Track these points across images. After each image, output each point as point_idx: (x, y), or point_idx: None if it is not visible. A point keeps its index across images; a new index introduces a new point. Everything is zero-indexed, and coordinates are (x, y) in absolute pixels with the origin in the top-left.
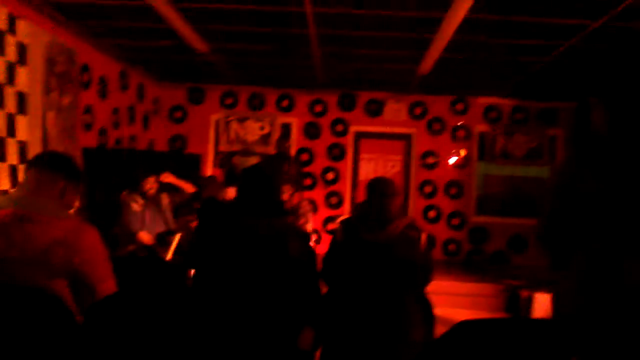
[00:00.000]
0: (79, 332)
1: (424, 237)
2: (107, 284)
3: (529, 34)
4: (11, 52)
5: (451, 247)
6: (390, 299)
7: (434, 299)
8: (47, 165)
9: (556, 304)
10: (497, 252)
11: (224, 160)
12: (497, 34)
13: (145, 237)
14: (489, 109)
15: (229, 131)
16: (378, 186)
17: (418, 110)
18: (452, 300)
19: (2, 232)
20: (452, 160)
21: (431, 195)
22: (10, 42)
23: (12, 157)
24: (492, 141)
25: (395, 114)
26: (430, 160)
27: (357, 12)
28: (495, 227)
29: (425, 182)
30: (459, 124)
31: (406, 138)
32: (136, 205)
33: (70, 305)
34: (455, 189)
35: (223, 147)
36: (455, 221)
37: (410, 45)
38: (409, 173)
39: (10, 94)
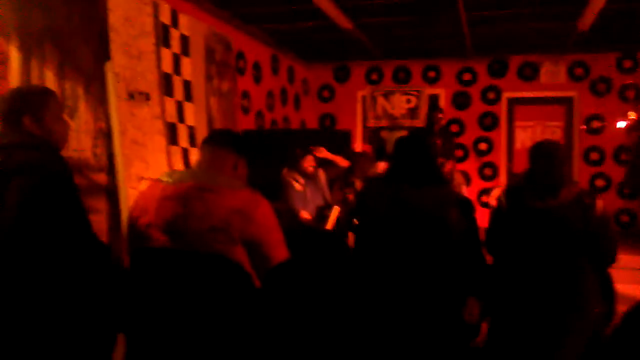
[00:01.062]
0: (258, 295)
1: (600, 203)
2: (281, 251)
3: None
4: (176, 45)
5: (624, 218)
6: (565, 270)
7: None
8: (220, 141)
9: None
10: None
11: (372, 135)
12: None
13: (307, 215)
14: None
15: (375, 107)
16: (545, 149)
17: (579, 71)
18: (631, 276)
19: (184, 203)
20: (621, 123)
21: (598, 162)
22: (175, 35)
23: (183, 140)
24: None
25: (553, 76)
26: (596, 124)
27: None
28: None
29: (591, 149)
30: (627, 82)
31: (567, 102)
32: (298, 185)
33: (249, 271)
34: (625, 154)
35: (371, 123)
36: (627, 190)
37: (566, 0)
38: (572, 140)
39: (178, 83)
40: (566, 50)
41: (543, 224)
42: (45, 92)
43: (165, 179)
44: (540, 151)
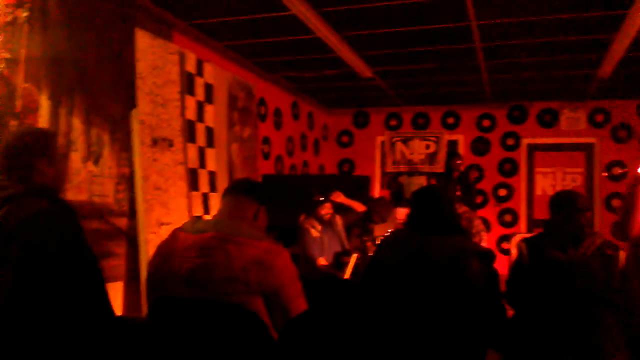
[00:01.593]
0: (275, 347)
1: (622, 255)
2: (299, 302)
3: None
4: (200, 92)
5: None
6: (585, 323)
7: None
8: (241, 191)
9: None
10: None
11: (391, 181)
12: None
13: (323, 261)
14: None
15: (394, 152)
16: (567, 200)
17: (599, 118)
18: None
19: (206, 252)
20: None
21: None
22: (199, 83)
23: (204, 186)
24: None
25: (573, 123)
26: (617, 170)
27: (523, 19)
28: None
29: (613, 195)
30: None
31: (587, 148)
32: (315, 231)
33: (266, 322)
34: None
35: (389, 168)
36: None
37: (586, 49)
38: (592, 186)
39: (200, 130)
40: (586, 97)
41: (564, 276)
42: (50, 133)
43: (187, 228)
44: (560, 201)
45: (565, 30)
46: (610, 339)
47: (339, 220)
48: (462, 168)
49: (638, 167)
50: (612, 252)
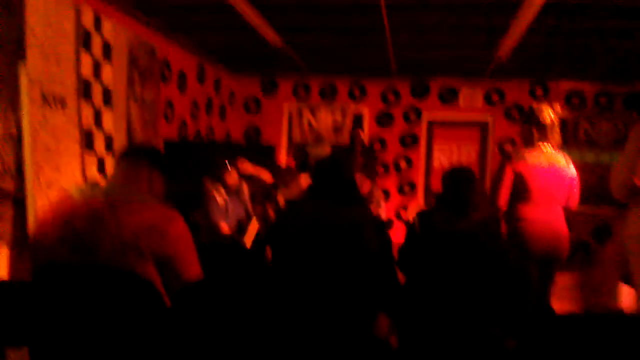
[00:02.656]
0: (168, 315)
1: (504, 227)
2: (194, 270)
3: (614, 15)
4: (97, 50)
5: None
6: (472, 291)
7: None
8: (135, 156)
9: None
10: (580, 243)
11: (297, 149)
12: (580, 16)
13: (226, 228)
14: (571, 94)
15: (301, 121)
16: (456, 175)
17: (495, 97)
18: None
19: (96, 219)
20: None
21: None
22: (97, 40)
23: (100, 148)
24: (574, 127)
25: (471, 100)
26: (509, 147)
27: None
28: (578, 217)
29: None
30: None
31: (482, 125)
32: (220, 199)
33: (159, 289)
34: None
35: (296, 138)
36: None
37: (486, 31)
38: (485, 161)
39: (97, 89)
40: (484, 76)
41: (451, 247)
42: None
43: (76, 194)
44: (451, 176)
45: (468, 10)
46: (494, 306)
47: (245, 188)
48: (365, 141)
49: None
50: (496, 225)
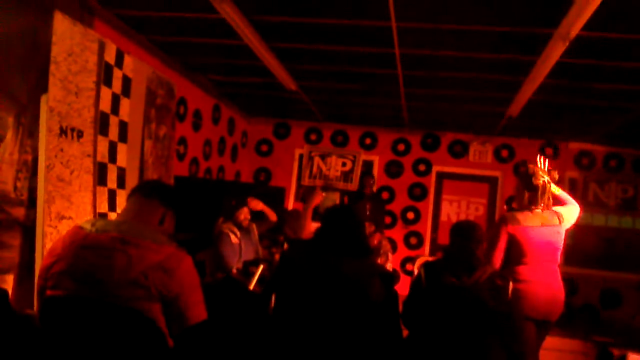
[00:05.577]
0: (170, 355)
1: (511, 286)
2: (198, 311)
3: (626, 79)
4: (117, 84)
5: None
6: (473, 347)
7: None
8: (149, 193)
9: None
10: (586, 306)
11: (305, 194)
12: (592, 78)
13: (234, 271)
14: (580, 154)
15: (312, 166)
16: (464, 230)
17: (504, 153)
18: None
19: (105, 254)
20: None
21: None
22: (117, 75)
23: (112, 182)
24: (583, 188)
25: (480, 156)
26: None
27: (445, 53)
28: (585, 280)
29: None
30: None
31: (491, 181)
32: (234, 237)
33: (162, 329)
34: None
35: (305, 182)
36: None
37: (499, 88)
38: (494, 217)
39: (114, 123)
40: (494, 133)
41: (456, 301)
42: None
43: (87, 227)
44: (459, 231)
45: (482, 68)
46: None
47: (255, 229)
48: (374, 188)
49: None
50: (501, 282)
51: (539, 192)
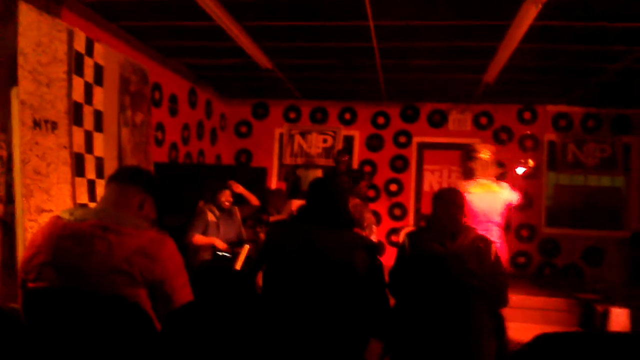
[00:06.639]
0: (158, 339)
1: (493, 248)
2: (184, 293)
3: (600, 39)
4: (89, 73)
5: (520, 259)
6: (460, 311)
7: (503, 312)
8: (126, 179)
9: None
10: (569, 265)
11: (288, 173)
12: (567, 40)
13: (220, 243)
14: (558, 117)
15: (292, 145)
16: (445, 197)
17: (483, 120)
18: (523, 314)
19: (85, 242)
20: (520, 170)
21: None
22: (88, 63)
23: (90, 172)
24: (562, 150)
25: (460, 124)
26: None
27: (419, 23)
28: (567, 239)
29: None
30: (526, 133)
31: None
32: (211, 216)
33: (149, 313)
34: (524, 200)
35: (287, 161)
36: (525, 233)
37: (474, 55)
38: None
39: (88, 113)
40: (472, 100)
41: (440, 268)
42: None
43: (66, 216)
44: (441, 198)
45: (456, 35)
46: (481, 327)
47: (237, 211)
48: (353, 165)
49: (517, 168)
50: (483, 245)
51: (484, 164)
